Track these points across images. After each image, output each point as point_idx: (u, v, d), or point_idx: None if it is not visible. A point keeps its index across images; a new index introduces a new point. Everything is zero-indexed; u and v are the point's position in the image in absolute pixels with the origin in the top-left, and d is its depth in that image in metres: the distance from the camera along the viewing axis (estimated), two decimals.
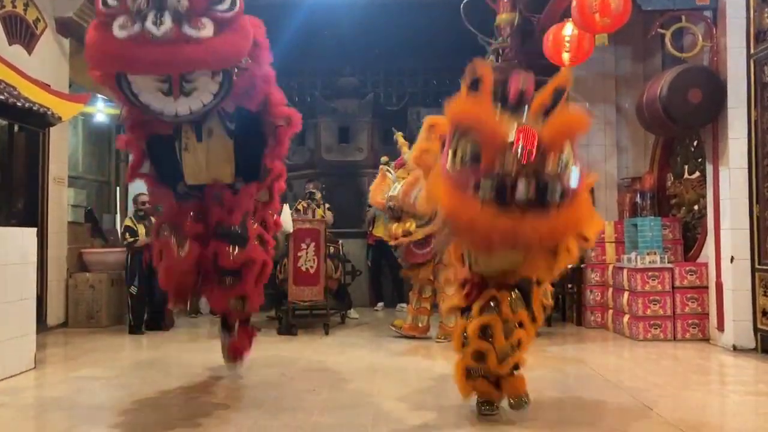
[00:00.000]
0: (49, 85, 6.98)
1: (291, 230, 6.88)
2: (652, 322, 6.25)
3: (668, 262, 6.39)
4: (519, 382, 3.66)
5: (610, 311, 6.97)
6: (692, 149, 6.92)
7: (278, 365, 5.13)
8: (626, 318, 6.52)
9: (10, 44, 6.68)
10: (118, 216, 10.11)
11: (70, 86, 7.80)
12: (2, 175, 6.44)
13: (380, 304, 9.14)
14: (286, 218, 6.85)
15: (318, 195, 8.38)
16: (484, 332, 3.55)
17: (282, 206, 7.03)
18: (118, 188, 10.61)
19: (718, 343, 5.93)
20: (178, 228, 4.08)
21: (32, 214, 6.77)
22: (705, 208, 6.38)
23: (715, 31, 5.95)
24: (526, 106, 3.33)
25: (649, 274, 6.29)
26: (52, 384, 4.73)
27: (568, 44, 6.50)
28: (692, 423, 3.56)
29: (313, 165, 10.22)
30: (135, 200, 7.39)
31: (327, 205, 8.35)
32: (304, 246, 6.98)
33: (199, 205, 4.10)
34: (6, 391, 4.39)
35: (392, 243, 6.55)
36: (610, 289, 6.99)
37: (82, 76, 8.47)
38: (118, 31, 3.23)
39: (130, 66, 3.33)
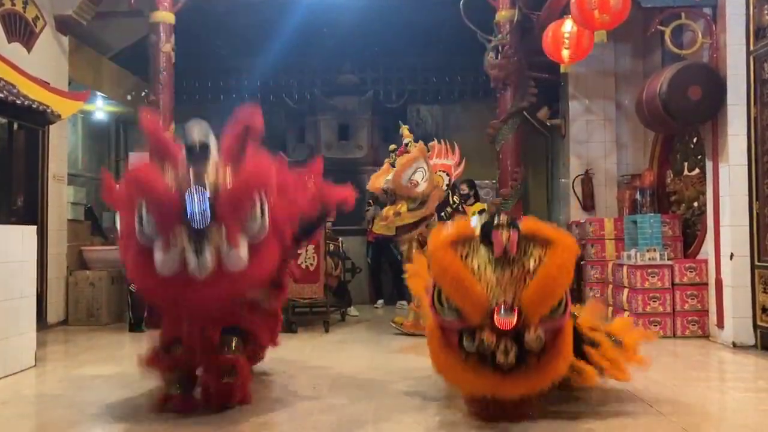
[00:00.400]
0: (49, 83, 6.97)
1: None
2: (651, 319, 6.25)
3: (668, 259, 6.39)
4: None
5: (610, 308, 6.97)
6: (692, 146, 6.92)
7: (278, 363, 5.13)
8: (626, 315, 6.51)
9: (9, 42, 6.68)
10: (117, 214, 10.09)
11: (69, 84, 7.80)
12: (2, 173, 6.44)
13: (380, 302, 9.15)
14: None
15: None
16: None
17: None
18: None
19: (717, 340, 5.93)
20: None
21: (32, 212, 6.77)
22: (705, 205, 6.38)
23: (714, 28, 5.94)
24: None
25: (649, 271, 6.29)
26: (53, 382, 4.74)
27: (567, 41, 6.51)
28: (692, 419, 3.56)
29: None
30: None
31: None
32: (304, 243, 6.97)
33: None
34: (6, 388, 4.39)
35: (382, 224, 6.42)
36: (610, 286, 7.00)
37: (81, 73, 8.50)
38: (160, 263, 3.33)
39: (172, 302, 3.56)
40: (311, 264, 6.97)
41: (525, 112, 7.97)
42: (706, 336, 6.16)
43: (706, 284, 6.18)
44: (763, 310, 5.54)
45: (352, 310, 8.26)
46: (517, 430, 3.42)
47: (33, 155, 6.88)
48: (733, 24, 5.77)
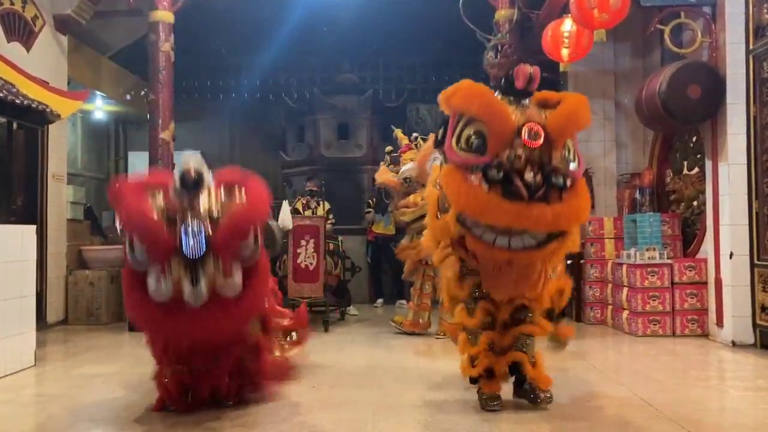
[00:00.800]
0: (48, 82, 6.96)
1: (290, 227, 6.89)
2: (651, 318, 6.26)
3: (667, 258, 6.40)
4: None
5: (610, 307, 6.98)
6: (691, 145, 6.92)
7: None
8: (625, 314, 6.52)
9: (8, 41, 6.68)
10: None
11: (68, 83, 7.80)
12: (1, 173, 6.43)
13: (380, 301, 9.15)
14: (285, 215, 6.87)
15: (316, 196, 8.47)
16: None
17: (282, 203, 7.05)
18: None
19: (717, 339, 5.94)
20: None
21: (31, 212, 6.77)
22: (704, 203, 6.39)
23: (714, 27, 5.94)
24: (528, 98, 3.37)
25: (649, 269, 6.29)
26: (53, 381, 4.74)
27: (566, 40, 6.49)
28: (691, 418, 3.56)
29: (313, 161, 10.22)
30: None
31: (329, 215, 8.30)
32: (303, 242, 6.99)
33: None
34: (6, 388, 4.39)
35: (409, 211, 6.45)
36: (610, 285, 7.00)
37: (80, 73, 8.50)
38: (153, 292, 3.33)
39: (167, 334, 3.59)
40: (311, 263, 6.97)
41: None
42: (705, 335, 6.17)
43: (706, 283, 6.19)
44: (763, 309, 5.55)
45: (352, 309, 8.27)
46: (518, 430, 3.43)
47: (32, 155, 6.88)
48: (732, 23, 5.77)
